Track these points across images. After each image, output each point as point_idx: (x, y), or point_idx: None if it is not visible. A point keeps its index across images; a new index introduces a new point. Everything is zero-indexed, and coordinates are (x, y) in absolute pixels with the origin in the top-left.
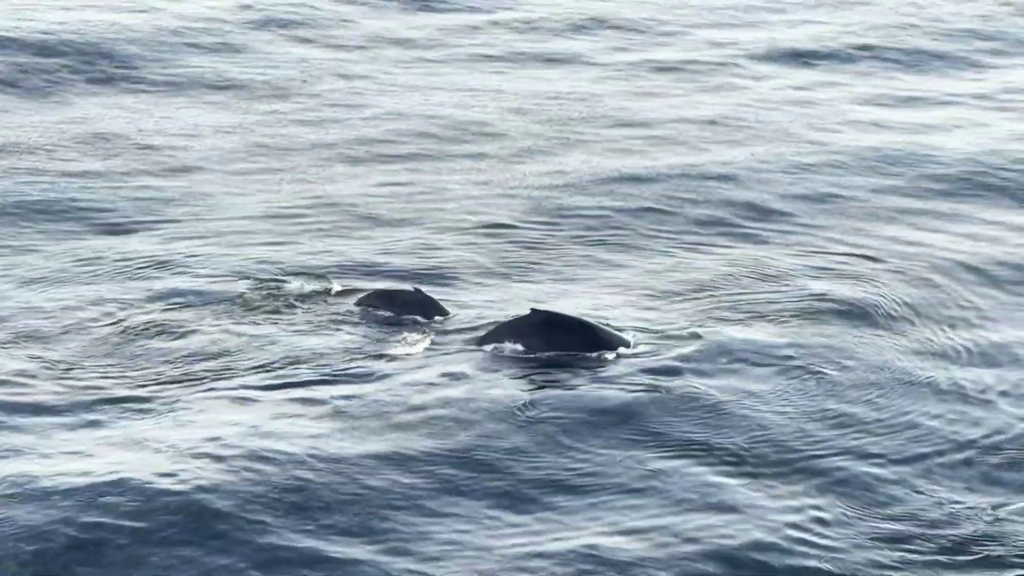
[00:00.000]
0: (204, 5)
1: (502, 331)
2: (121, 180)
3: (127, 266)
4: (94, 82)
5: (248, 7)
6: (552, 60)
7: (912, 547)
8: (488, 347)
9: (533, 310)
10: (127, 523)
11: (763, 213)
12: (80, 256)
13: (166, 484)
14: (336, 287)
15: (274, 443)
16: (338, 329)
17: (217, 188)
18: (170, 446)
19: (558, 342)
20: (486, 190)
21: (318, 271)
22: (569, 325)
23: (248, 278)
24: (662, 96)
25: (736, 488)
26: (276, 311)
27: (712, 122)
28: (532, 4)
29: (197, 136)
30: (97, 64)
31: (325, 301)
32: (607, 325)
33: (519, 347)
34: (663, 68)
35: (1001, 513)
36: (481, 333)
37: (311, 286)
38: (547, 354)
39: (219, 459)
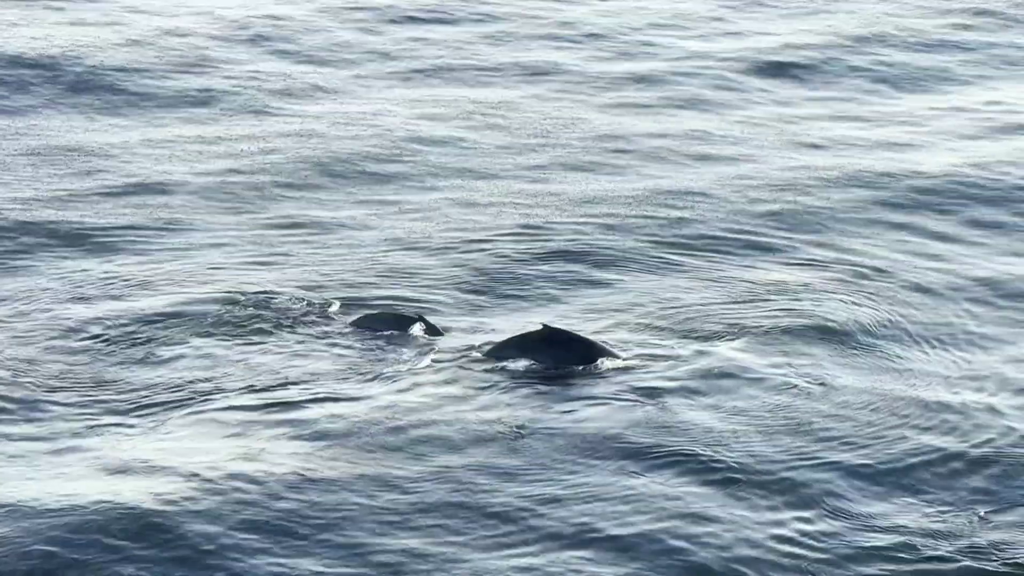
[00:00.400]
0: (181, 19)
1: (509, 345)
2: (102, 197)
3: (110, 284)
4: (71, 98)
5: (225, 20)
6: (533, 71)
7: (898, 558)
8: (493, 362)
9: (544, 326)
10: (112, 542)
11: (747, 230)
12: (61, 275)
13: (151, 506)
14: (335, 306)
15: (262, 464)
16: (332, 349)
17: (199, 204)
18: (155, 467)
19: (563, 359)
20: (470, 205)
21: (308, 289)
22: (577, 343)
23: (236, 296)
24: (642, 109)
25: (723, 502)
26: (267, 330)
27: (693, 136)
28: (511, 15)
29: (177, 152)
30: (74, 79)
31: (319, 321)
32: (605, 342)
33: (525, 362)
34: (643, 79)
35: (986, 525)
36: (485, 348)
37: (305, 304)
38: (542, 370)
39: (205, 480)
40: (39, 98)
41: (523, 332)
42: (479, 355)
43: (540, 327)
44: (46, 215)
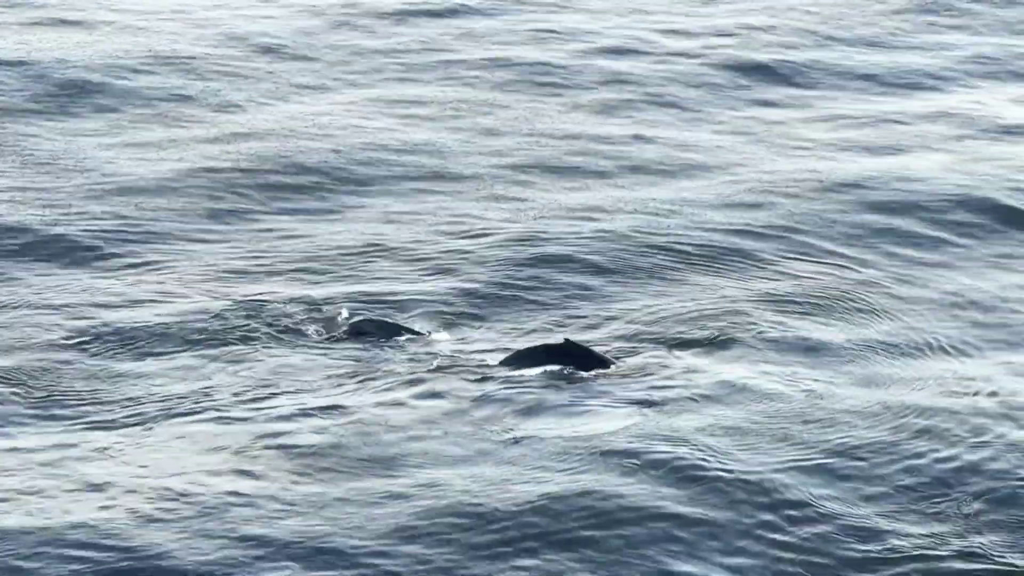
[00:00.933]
0: (159, 18)
1: (525, 355)
2: (80, 200)
3: (91, 291)
4: (47, 98)
5: (204, 19)
6: (515, 68)
7: (890, 560)
8: (503, 370)
9: (567, 340)
10: (95, 556)
11: (737, 235)
12: (40, 281)
13: (135, 521)
14: (344, 313)
15: (247, 479)
16: (330, 356)
17: (181, 207)
18: (141, 482)
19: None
20: (458, 208)
21: (298, 295)
22: (593, 360)
23: (226, 303)
24: (624, 108)
25: (714, 508)
26: (261, 338)
27: (680, 137)
28: (490, 14)
29: (160, 154)
30: (50, 79)
31: (317, 328)
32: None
33: (534, 372)
34: (624, 77)
35: (977, 524)
36: (499, 357)
37: (311, 311)
38: (540, 380)
39: (194, 495)
40: (14, 98)
41: (543, 344)
42: (490, 363)
43: (563, 341)
44: (22, 219)
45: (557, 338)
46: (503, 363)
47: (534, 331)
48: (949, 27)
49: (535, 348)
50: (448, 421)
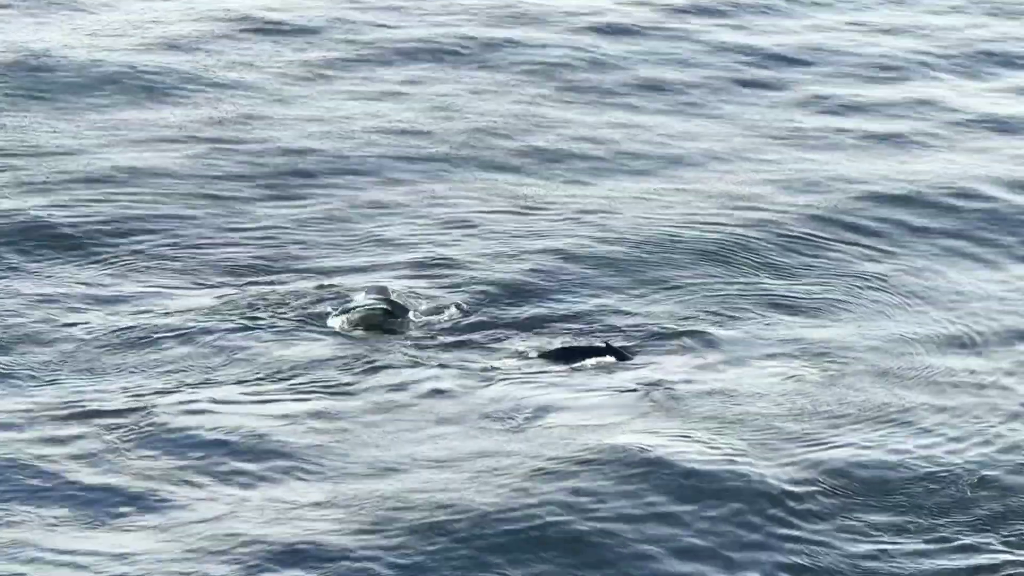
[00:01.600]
0: (145, 5)
1: (561, 354)
2: (81, 191)
3: (94, 280)
4: (36, 98)
5: (196, 8)
6: (500, 64)
7: (890, 556)
8: (530, 362)
9: (607, 344)
10: (93, 559)
11: (737, 234)
12: (39, 273)
13: (131, 524)
14: (360, 297)
15: (247, 477)
16: (332, 347)
17: (175, 196)
18: (136, 482)
19: None
20: (456, 202)
21: (308, 283)
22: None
23: (236, 289)
24: (610, 106)
25: (710, 505)
26: (263, 328)
27: (673, 128)
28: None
29: (152, 142)
30: (36, 79)
31: (320, 311)
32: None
33: (564, 367)
34: (611, 61)
35: (973, 530)
36: (536, 350)
37: (305, 301)
38: (551, 377)
39: (189, 494)
40: (4, 85)
41: (584, 345)
42: (499, 358)
43: (604, 345)
44: (16, 208)
45: (598, 340)
46: (541, 356)
47: (540, 325)
48: (942, 11)
49: (575, 347)
50: (453, 418)
